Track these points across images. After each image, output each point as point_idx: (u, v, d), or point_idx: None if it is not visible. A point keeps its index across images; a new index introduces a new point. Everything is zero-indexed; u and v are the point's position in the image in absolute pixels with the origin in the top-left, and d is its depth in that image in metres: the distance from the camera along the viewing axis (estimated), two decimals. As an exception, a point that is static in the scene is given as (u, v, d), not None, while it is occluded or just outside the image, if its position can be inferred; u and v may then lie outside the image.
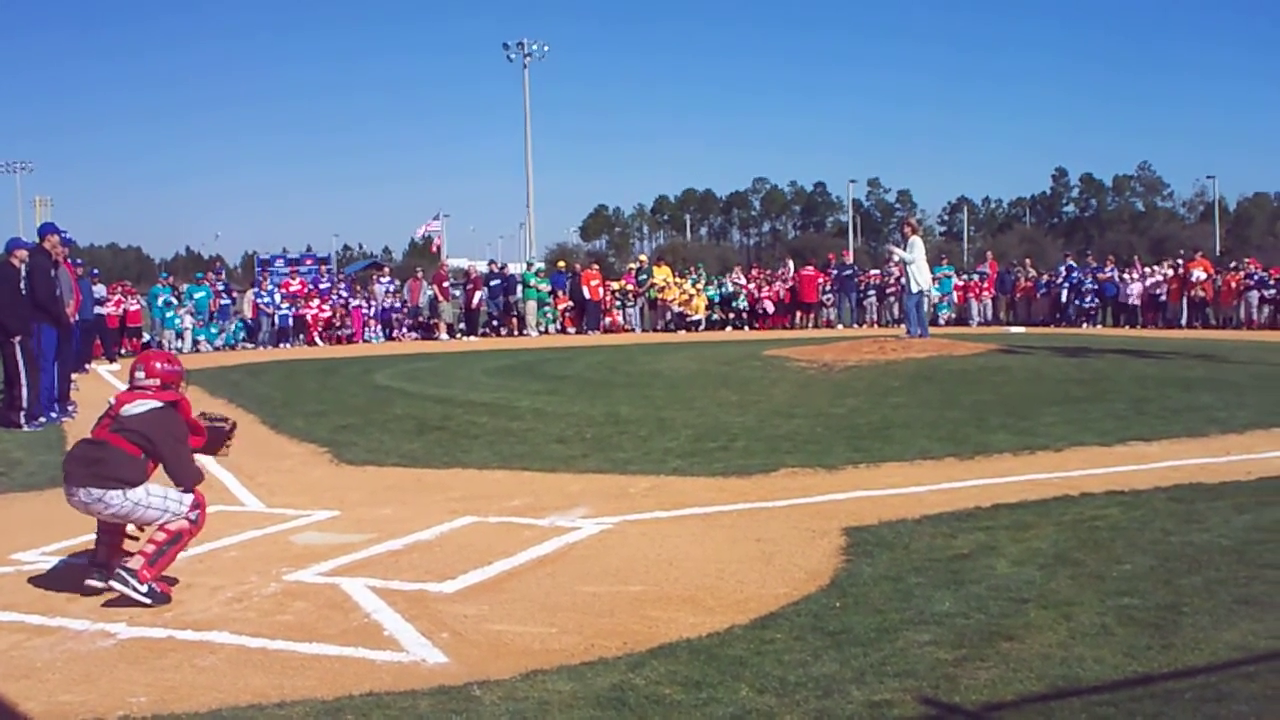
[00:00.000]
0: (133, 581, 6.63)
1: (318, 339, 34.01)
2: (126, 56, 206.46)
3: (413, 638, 6.00)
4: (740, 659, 5.45)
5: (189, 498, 6.97)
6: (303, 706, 5.01)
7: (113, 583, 6.66)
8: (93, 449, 6.94)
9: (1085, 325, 34.46)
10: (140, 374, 7.10)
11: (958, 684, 4.99)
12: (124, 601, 6.59)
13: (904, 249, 23.47)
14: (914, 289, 23.22)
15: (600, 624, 6.22)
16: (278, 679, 5.42)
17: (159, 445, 6.92)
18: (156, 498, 6.88)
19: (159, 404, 7.01)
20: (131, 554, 7.02)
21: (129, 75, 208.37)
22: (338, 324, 34.80)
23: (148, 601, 6.61)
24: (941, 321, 36.04)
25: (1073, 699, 4.75)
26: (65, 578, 7.29)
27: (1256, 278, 33.26)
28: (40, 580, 7.35)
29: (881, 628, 5.84)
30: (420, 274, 38.39)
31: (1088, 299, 35.48)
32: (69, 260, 17.25)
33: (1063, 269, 37.82)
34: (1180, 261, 35.79)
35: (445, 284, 36.25)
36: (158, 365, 7.19)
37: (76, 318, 17.32)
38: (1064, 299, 36.06)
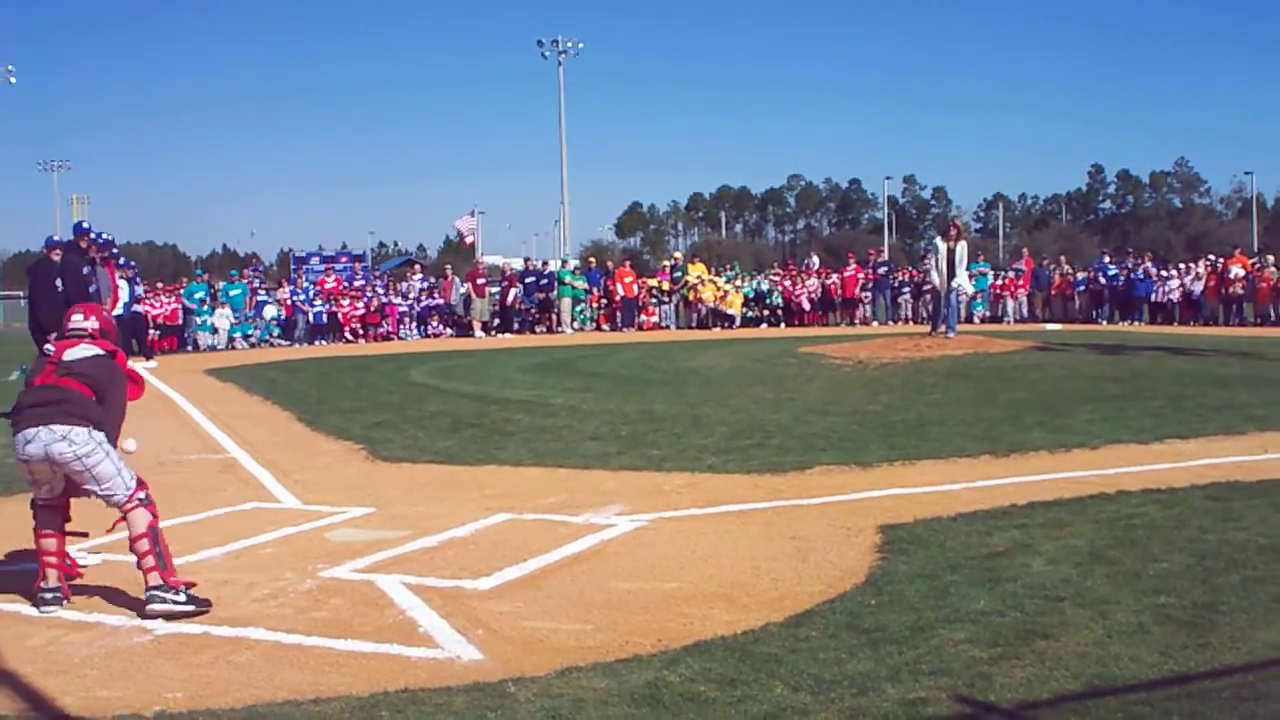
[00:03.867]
0: (168, 596, 6.46)
1: (356, 335, 34.18)
2: (162, 54, 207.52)
3: (448, 634, 6.02)
4: (775, 656, 5.45)
5: (133, 477, 6.75)
6: (338, 703, 5.04)
7: (150, 608, 6.42)
8: (51, 391, 6.69)
9: (1124, 323, 34.26)
10: (78, 316, 7.06)
11: (993, 682, 4.97)
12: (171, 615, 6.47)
13: (951, 246, 22.42)
14: (940, 284, 22.85)
15: (635, 621, 6.23)
16: (313, 675, 5.45)
17: (107, 388, 6.79)
18: (114, 452, 6.71)
19: (101, 351, 6.91)
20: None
21: (165, 73, 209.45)
22: (375, 321, 34.95)
23: (191, 608, 6.46)
24: (976, 319, 35.89)
25: (1109, 698, 4.73)
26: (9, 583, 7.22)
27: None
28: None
29: (917, 626, 5.83)
30: (449, 271, 38.45)
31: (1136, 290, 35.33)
32: (111, 258, 17.39)
33: (1099, 265, 37.68)
34: (1214, 258, 35.53)
35: (480, 281, 36.29)
36: (101, 313, 7.20)
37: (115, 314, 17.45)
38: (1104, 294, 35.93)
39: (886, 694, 4.89)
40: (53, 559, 6.78)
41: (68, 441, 6.52)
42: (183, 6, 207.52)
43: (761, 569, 7.21)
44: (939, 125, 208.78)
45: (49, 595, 6.68)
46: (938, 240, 24.12)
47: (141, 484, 6.74)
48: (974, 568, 6.91)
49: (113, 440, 6.79)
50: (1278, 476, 9.27)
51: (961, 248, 22.71)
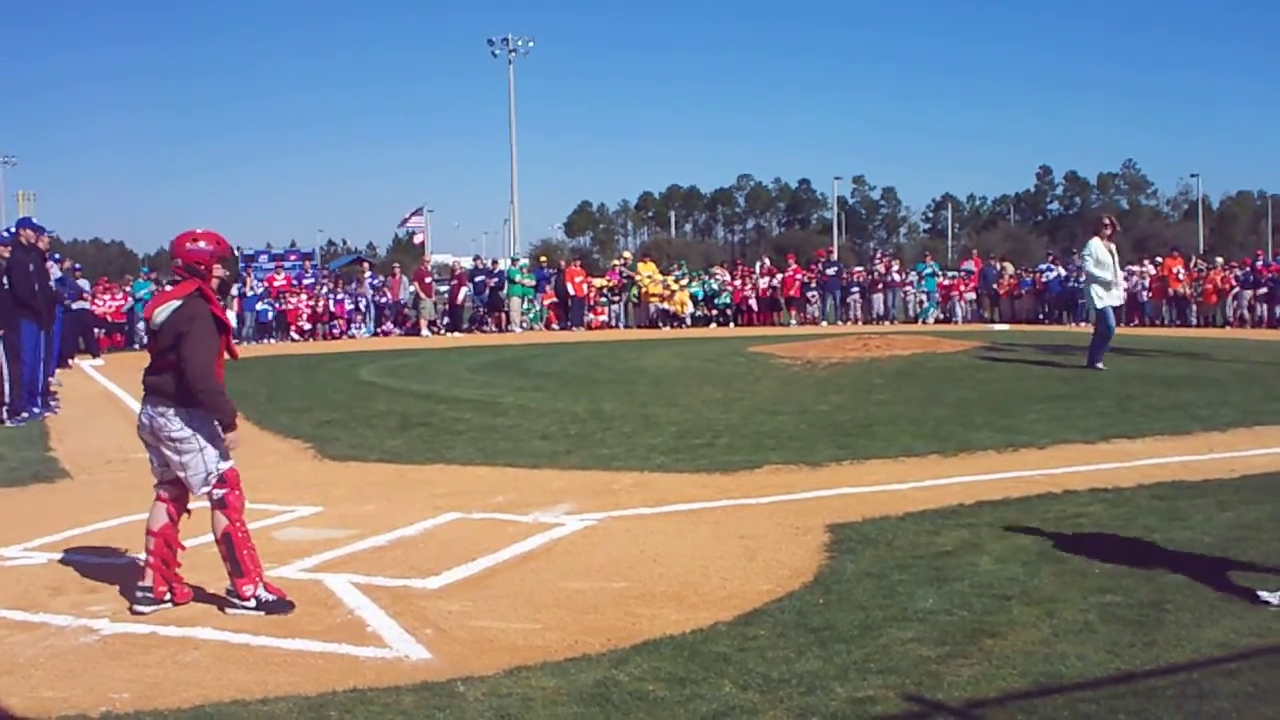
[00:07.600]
0: None
1: (303, 333, 33.96)
2: (110, 51, 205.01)
3: (396, 634, 5.99)
4: (724, 655, 5.45)
5: None
6: (286, 703, 5.00)
7: None
8: None
9: (1071, 324, 34.55)
10: None
11: (941, 681, 5.00)
12: None
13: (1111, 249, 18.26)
14: (1111, 298, 18.41)
15: (584, 620, 6.21)
16: (261, 675, 5.41)
17: None
18: None
19: None
20: None
21: (112, 70, 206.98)
22: (325, 319, 34.76)
23: None
24: (931, 320, 36.17)
25: (1056, 696, 4.76)
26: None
27: (1248, 276, 33.25)
28: (23, 576, 7.32)
29: (865, 625, 5.85)
30: (397, 270, 38.27)
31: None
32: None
33: (1044, 266, 38.01)
34: (1161, 260, 35.88)
35: (427, 280, 36.18)
36: None
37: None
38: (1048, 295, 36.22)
39: (835, 692, 4.90)
40: None
41: None
42: (130, 3, 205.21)
43: (710, 568, 7.21)
44: (888, 126, 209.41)
45: None
46: (1094, 243, 18.28)
47: None
48: (922, 567, 6.95)
49: None
50: (1223, 476, 9.38)
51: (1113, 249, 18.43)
